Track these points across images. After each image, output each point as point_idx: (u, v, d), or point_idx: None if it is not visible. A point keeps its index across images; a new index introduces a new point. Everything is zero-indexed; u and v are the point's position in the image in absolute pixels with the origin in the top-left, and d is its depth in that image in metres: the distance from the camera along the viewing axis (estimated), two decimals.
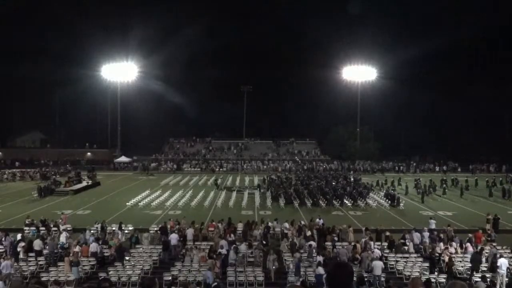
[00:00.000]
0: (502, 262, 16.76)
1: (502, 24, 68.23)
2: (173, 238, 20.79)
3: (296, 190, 37.76)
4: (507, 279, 16.62)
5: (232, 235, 21.76)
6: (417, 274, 16.98)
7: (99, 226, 23.85)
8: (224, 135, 79.51)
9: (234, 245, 19.47)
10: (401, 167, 61.43)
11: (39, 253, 19.42)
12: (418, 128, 72.49)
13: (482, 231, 22.84)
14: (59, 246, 20.51)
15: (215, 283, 14.90)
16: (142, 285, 16.28)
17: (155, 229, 23.72)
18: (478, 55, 72.96)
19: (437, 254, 19.25)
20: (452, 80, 73.16)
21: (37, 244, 19.81)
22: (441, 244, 20.34)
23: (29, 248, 19.70)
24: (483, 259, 18.42)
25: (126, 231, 24.10)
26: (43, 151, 72.07)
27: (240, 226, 24.06)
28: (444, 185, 41.53)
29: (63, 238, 21.16)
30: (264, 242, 21.53)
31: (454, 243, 20.45)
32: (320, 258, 17.52)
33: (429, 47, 64.95)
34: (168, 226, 23.28)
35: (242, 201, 34.78)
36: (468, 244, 20.27)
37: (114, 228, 23.93)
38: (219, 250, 18.76)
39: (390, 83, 67.28)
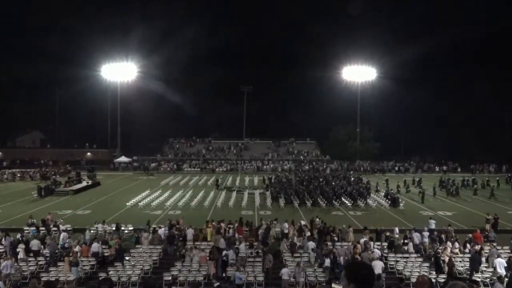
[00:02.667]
0: (499, 262, 16.75)
1: (502, 24, 68.23)
2: (161, 233, 21.98)
3: (296, 190, 37.74)
4: (506, 279, 16.60)
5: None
6: (417, 274, 16.98)
7: (99, 225, 23.93)
8: (224, 135, 79.44)
9: (235, 246, 19.49)
10: (401, 168, 61.40)
11: (37, 253, 19.39)
12: (418, 128, 72.46)
13: (480, 231, 22.83)
14: (59, 246, 20.51)
15: (217, 284, 14.89)
16: (144, 285, 16.36)
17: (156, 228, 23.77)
18: (478, 55, 72.93)
19: (442, 254, 19.24)
20: (452, 80, 73.22)
21: (35, 244, 19.78)
22: (448, 243, 20.34)
23: (28, 248, 19.68)
24: (483, 259, 18.42)
25: (126, 231, 24.21)
26: (43, 151, 72.00)
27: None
28: (475, 186, 41.48)
29: (62, 238, 21.16)
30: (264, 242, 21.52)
31: (455, 243, 20.45)
32: (327, 260, 17.44)
33: (429, 47, 64.99)
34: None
35: (242, 201, 34.78)
36: (468, 245, 20.27)
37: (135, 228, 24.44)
38: (224, 252, 18.73)
39: (390, 83, 67.30)
